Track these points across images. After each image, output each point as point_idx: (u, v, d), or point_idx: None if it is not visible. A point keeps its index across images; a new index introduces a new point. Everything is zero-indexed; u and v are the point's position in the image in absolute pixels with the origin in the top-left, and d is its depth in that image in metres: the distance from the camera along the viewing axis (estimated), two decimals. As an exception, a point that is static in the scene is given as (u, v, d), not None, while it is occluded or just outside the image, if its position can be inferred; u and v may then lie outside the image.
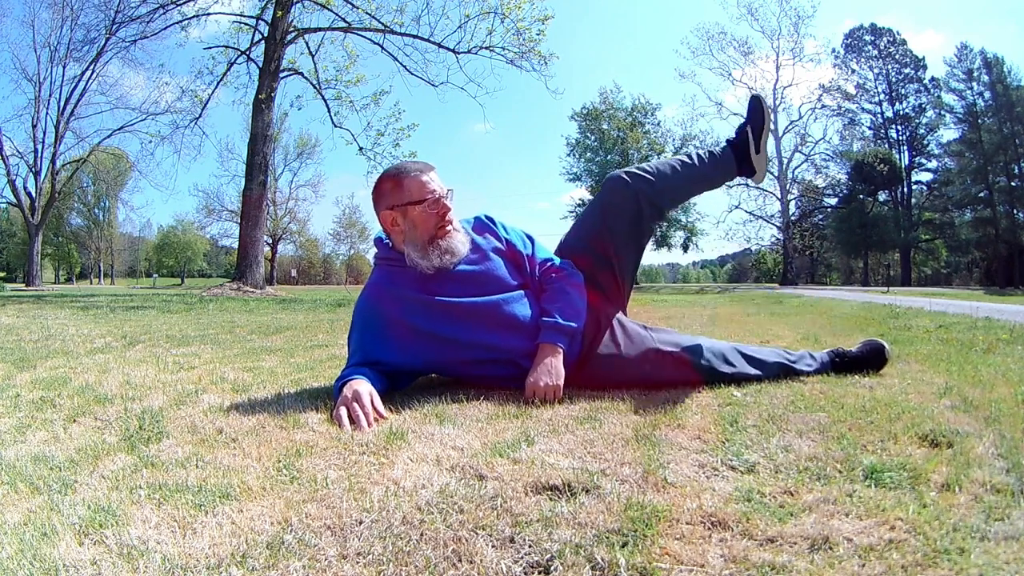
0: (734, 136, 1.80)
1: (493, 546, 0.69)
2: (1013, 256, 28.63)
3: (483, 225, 1.67)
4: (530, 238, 1.70)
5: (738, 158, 1.77)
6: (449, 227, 1.52)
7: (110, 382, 1.80)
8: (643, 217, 1.68)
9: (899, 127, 34.12)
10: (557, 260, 1.66)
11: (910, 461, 0.92)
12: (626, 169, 1.67)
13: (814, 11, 33.73)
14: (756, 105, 1.77)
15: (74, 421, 1.33)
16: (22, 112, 22.23)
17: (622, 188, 1.65)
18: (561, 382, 1.46)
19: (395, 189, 1.52)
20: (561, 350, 1.50)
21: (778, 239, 32.43)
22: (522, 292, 1.57)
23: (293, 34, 13.01)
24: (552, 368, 1.46)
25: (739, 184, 31.31)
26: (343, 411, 1.25)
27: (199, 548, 0.69)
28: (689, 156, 1.75)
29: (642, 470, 0.91)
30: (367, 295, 1.59)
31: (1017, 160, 29.07)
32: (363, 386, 1.33)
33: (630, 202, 1.65)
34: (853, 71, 34.21)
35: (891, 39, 34.00)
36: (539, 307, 1.57)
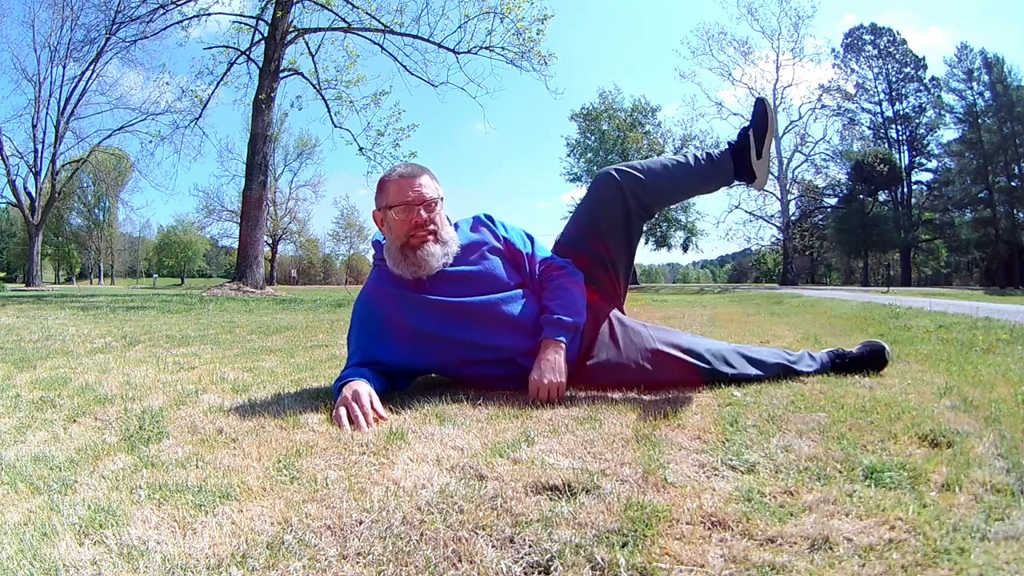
0: (735, 139, 1.74)
1: (493, 546, 0.69)
2: (1013, 256, 28.60)
3: (482, 224, 1.66)
4: (530, 237, 1.69)
5: (737, 162, 1.72)
6: (427, 237, 1.49)
7: (110, 382, 1.80)
8: (631, 215, 1.64)
9: (899, 127, 34.07)
10: (558, 259, 1.65)
11: (910, 461, 0.92)
12: (615, 166, 1.65)
13: (814, 11, 33.65)
14: (760, 108, 1.71)
15: (74, 421, 1.33)
16: (22, 112, 22.23)
17: (610, 185, 1.62)
18: (564, 379, 1.46)
19: (380, 190, 1.54)
20: (563, 345, 1.50)
21: (778, 239, 32.40)
22: (520, 291, 1.57)
23: (293, 34, 13.01)
24: (555, 365, 1.46)
25: (739, 185, 31.28)
26: (342, 411, 1.25)
27: (199, 548, 0.69)
28: (685, 156, 1.71)
29: (642, 470, 0.91)
30: (365, 295, 1.59)
31: (1017, 160, 29.04)
32: (362, 387, 1.32)
33: (617, 199, 1.62)
34: (853, 71, 34.18)
35: (891, 39, 33.97)
36: (539, 305, 1.57)
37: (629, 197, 1.62)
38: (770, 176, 1.78)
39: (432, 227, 1.49)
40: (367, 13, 12.95)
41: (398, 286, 1.53)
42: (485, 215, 1.69)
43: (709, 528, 0.73)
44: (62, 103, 22.03)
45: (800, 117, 31.50)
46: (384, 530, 0.73)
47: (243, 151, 14.36)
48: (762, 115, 1.71)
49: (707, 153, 1.73)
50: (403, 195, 1.49)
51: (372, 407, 1.28)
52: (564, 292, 1.57)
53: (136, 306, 7.13)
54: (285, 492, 0.86)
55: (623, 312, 1.72)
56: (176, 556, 0.67)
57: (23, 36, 30.31)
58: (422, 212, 1.48)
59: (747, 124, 1.73)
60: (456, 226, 1.64)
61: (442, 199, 1.54)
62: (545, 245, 1.72)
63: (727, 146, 1.75)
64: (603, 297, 1.66)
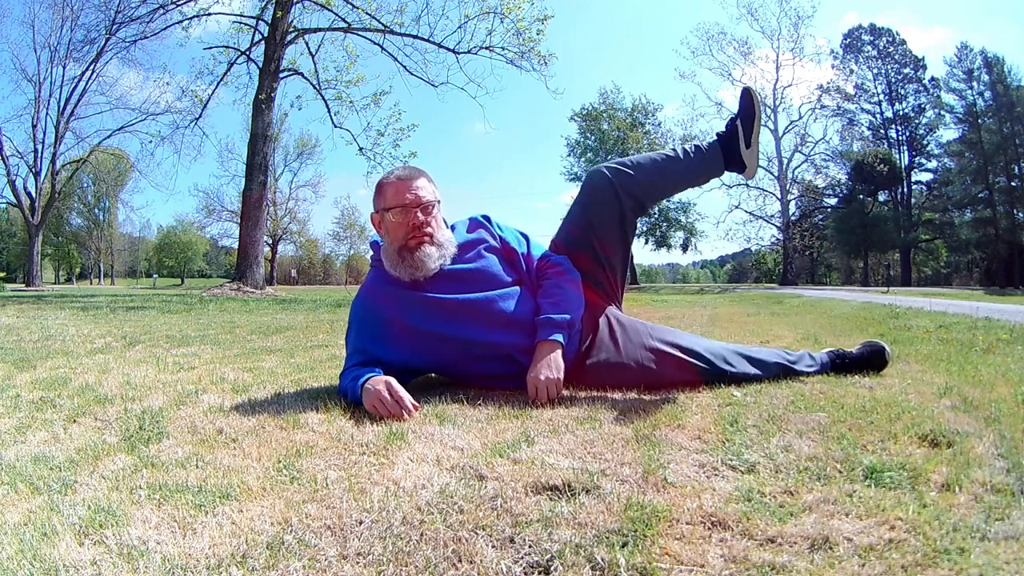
0: (724, 129, 1.73)
1: (493, 546, 0.69)
2: (1013, 256, 28.58)
3: (478, 224, 1.67)
4: (524, 236, 1.71)
5: (727, 153, 1.70)
6: (424, 239, 1.50)
7: (110, 382, 1.80)
8: (625, 212, 1.65)
9: (899, 127, 34.05)
10: (555, 257, 1.66)
11: (910, 461, 0.92)
12: (606, 164, 1.65)
13: (814, 11, 33.61)
14: (747, 98, 1.69)
15: (74, 421, 1.33)
16: (22, 112, 22.26)
17: (602, 183, 1.63)
18: (561, 375, 1.45)
19: (377, 193, 1.55)
20: (559, 344, 1.49)
21: (778, 239, 32.37)
22: (517, 288, 1.58)
23: (293, 34, 13.01)
24: (551, 362, 1.46)
25: (739, 184, 31.33)
26: (379, 405, 1.29)
27: (199, 548, 0.69)
28: (674, 150, 1.70)
29: (642, 470, 0.91)
30: (363, 296, 1.60)
31: (1017, 160, 29.02)
32: (392, 382, 1.34)
33: (610, 197, 1.63)
34: (852, 71, 34.15)
35: (890, 39, 33.95)
36: (535, 303, 1.57)
37: (622, 194, 1.63)
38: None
39: (429, 229, 1.50)
40: (367, 13, 12.96)
41: (395, 285, 1.54)
42: (482, 215, 1.70)
43: (709, 528, 0.73)
44: (62, 103, 22.07)
45: (800, 117, 31.49)
46: (384, 530, 0.73)
47: (243, 151, 14.38)
48: (749, 104, 1.69)
49: (696, 146, 1.72)
50: (400, 197, 1.50)
51: (398, 397, 1.31)
52: (558, 290, 1.57)
53: (136, 306, 7.13)
54: (285, 492, 0.86)
55: (621, 309, 1.72)
56: (176, 556, 0.67)
57: (23, 36, 30.29)
58: (419, 214, 1.50)
59: (735, 115, 1.71)
60: (452, 227, 1.65)
61: (439, 202, 1.55)
62: (542, 244, 1.73)
63: (715, 138, 1.73)
64: (601, 295, 1.67)
